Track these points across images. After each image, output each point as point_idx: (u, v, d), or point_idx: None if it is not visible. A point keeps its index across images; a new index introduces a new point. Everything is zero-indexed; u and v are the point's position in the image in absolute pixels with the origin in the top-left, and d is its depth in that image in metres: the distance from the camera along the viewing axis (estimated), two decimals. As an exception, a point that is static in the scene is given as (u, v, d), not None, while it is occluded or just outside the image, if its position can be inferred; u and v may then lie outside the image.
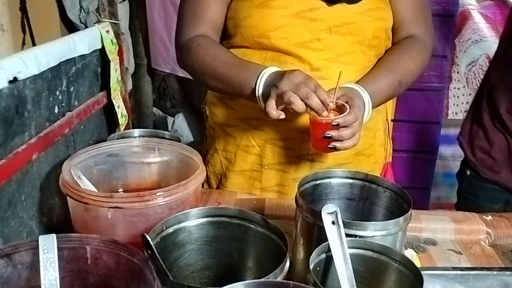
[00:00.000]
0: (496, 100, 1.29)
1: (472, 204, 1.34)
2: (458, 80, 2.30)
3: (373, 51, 1.07)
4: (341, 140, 0.90)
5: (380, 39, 1.07)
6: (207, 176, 1.18)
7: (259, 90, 0.94)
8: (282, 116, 0.88)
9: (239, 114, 1.11)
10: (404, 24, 1.10)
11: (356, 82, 1.01)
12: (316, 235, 0.72)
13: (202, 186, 1.17)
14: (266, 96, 0.91)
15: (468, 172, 1.38)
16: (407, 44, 1.10)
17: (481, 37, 2.26)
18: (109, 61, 1.14)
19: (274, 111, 0.88)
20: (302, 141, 1.08)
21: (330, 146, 0.91)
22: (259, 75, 0.95)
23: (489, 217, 1.03)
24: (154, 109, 2.94)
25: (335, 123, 0.88)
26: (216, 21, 1.08)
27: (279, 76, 0.91)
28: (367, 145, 1.13)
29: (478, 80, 2.28)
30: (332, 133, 0.89)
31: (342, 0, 1.01)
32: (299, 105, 0.86)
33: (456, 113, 2.35)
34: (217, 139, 1.16)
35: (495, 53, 1.37)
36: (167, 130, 2.79)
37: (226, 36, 1.10)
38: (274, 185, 1.13)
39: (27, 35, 2.00)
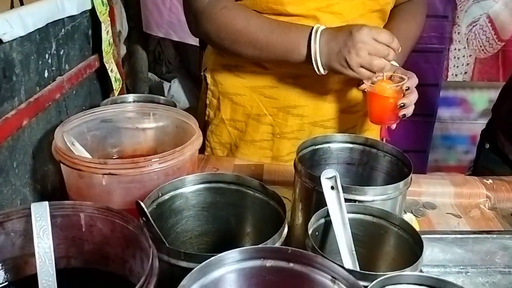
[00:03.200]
0: None
1: None
2: (459, 41, 2.25)
3: (382, 14, 1.05)
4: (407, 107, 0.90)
5: (390, 5, 1.05)
6: (210, 147, 1.17)
7: (317, 53, 0.88)
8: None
9: (248, 82, 1.07)
10: None
11: None
12: (315, 200, 0.71)
13: (203, 153, 1.16)
14: (325, 61, 0.88)
15: (487, 146, 1.30)
16: (411, 10, 1.10)
17: (482, -5, 2.20)
18: (100, 23, 1.10)
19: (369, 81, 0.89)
20: (317, 108, 1.06)
21: (401, 114, 0.91)
22: (311, 37, 0.88)
23: (490, 181, 1.03)
24: (150, 74, 2.89)
25: (406, 88, 0.88)
26: None
27: (342, 36, 0.86)
28: None
29: (478, 41, 2.24)
30: (405, 100, 0.89)
31: None
32: (387, 67, 0.86)
33: (456, 75, 2.31)
34: (223, 109, 1.12)
35: None
36: (163, 96, 2.76)
37: None
38: (285, 155, 1.11)
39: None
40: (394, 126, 0.97)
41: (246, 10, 0.96)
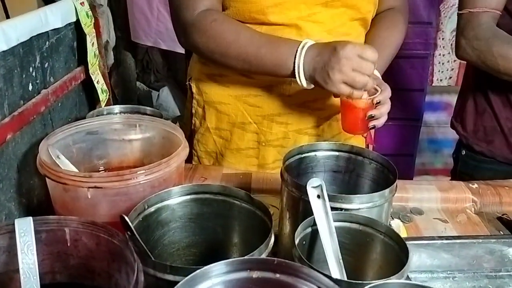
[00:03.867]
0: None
1: None
2: (443, 47, 2.28)
3: (363, 23, 1.06)
4: (377, 118, 0.90)
5: (371, 13, 1.06)
6: (197, 156, 1.17)
7: (300, 67, 0.89)
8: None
9: (232, 91, 1.07)
10: None
11: None
12: (302, 209, 0.71)
13: (191, 162, 1.16)
14: (310, 75, 0.89)
15: (464, 152, 1.33)
16: (393, 17, 1.11)
17: (465, 2, 2.23)
18: (85, 34, 1.10)
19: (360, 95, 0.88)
20: (301, 115, 1.07)
21: (371, 126, 0.91)
22: (296, 52, 0.89)
23: (475, 185, 1.04)
24: (138, 83, 2.88)
25: (377, 101, 0.89)
26: None
27: (327, 51, 0.86)
28: None
29: (463, 47, 2.27)
30: (375, 112, 0.89)
31: None
32: (369, 84, 0.87)
33: (441, 80, 2.34)
34: (209, 117, 1.12)
35: None
36: (152, 105, 2.75)
37: None
38: (271, 162, 1.11)
39: (0, 9, 1.92)
40: (365, 135, 0.98)
41: (236, 24, 0.97)
